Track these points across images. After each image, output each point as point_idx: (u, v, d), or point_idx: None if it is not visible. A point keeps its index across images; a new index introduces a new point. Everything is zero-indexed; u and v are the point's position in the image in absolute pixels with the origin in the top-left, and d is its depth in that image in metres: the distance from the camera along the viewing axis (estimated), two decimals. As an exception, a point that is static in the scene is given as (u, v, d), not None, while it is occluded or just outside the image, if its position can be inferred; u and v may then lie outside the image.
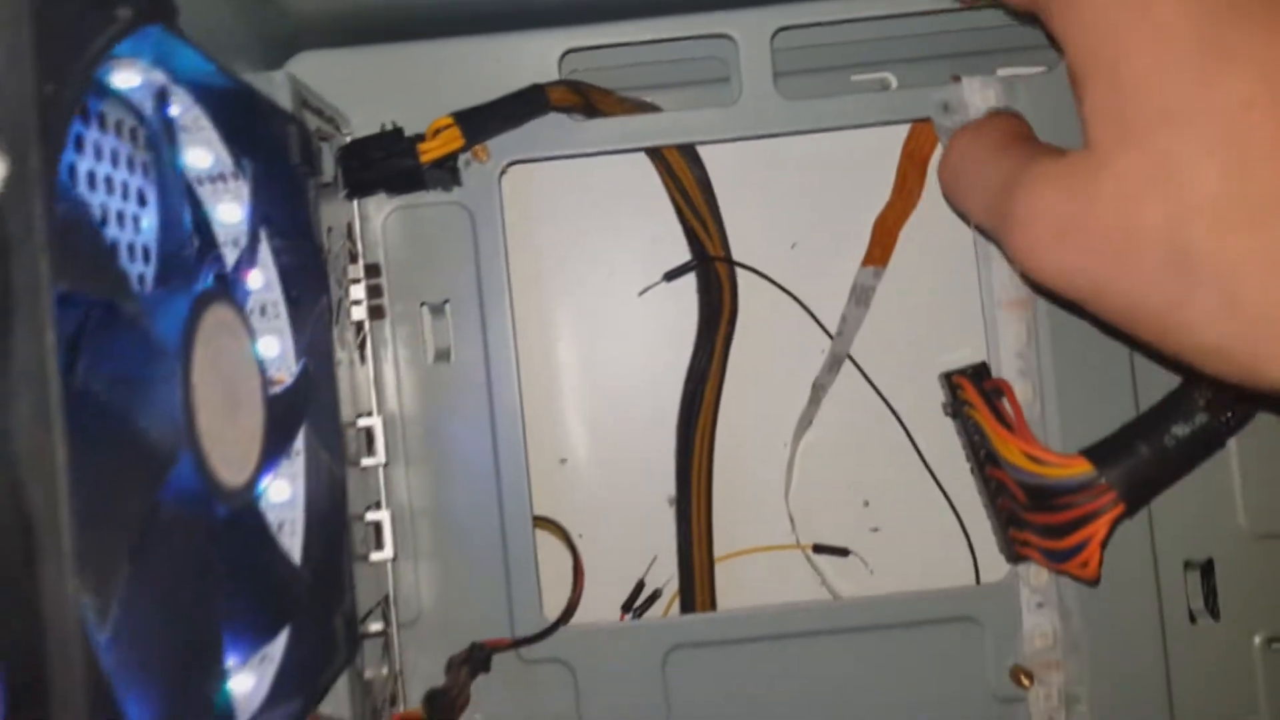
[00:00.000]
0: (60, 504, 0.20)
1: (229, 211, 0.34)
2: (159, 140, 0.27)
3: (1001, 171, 0.33)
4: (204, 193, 0.33)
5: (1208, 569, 0.46)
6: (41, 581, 0.20)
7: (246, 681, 0.31)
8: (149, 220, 0.29)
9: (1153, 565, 0.46)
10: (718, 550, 0.49)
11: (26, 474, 0.20)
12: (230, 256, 0.33)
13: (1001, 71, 0.48)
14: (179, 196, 0.28)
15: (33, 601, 0.20)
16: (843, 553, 0.50)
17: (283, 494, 0.35)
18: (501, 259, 0.46)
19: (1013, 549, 0.43)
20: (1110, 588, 0.45)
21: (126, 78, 0.27)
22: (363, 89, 0.45)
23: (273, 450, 0.32)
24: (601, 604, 0.48)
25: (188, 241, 0.30)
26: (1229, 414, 0.38)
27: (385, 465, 0.44)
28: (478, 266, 0.46)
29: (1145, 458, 0.38)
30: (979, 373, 0.43)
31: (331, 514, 0.37)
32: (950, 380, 0.44)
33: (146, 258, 0.28)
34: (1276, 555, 0.46)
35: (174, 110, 0.29)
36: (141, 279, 0.27)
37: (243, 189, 0.34)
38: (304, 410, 0.35)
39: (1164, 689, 0.46)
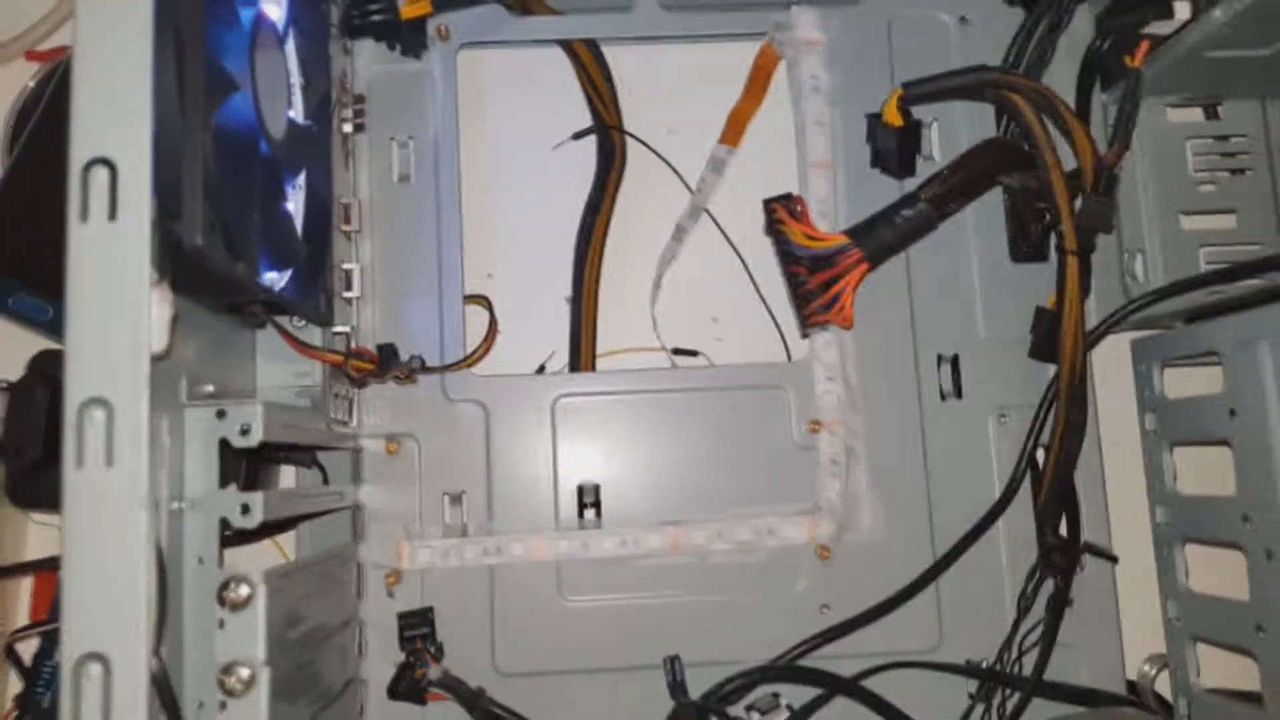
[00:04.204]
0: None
1: (271, 9, 0.51)
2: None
3: None
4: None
5: (955, 362, 0.63)
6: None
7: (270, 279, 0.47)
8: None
9: (913, 357, 0.63)
10: (598, 349, 0.65)
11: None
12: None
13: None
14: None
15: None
16: (694, 353, 0.66)
17: (288, 206, 0.52)
18: (453, 114, 0.64)
19: (805, 324, 0.60)
20: (881, 370, 0.63)
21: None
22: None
23: (296, 152, 0.48)
24: (511, 381, 0.64)
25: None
26: (942, 206, 0.56)
27: (357, 233, 0.60)
28: (436, 117, 0.64)
29: (882, 230, 0.56)
30: (787, 197, 0.61)
31: (319, 229, 0.53)
32: (768, 206, 0.61)
33: None
34: (1003, 354, 0.63)
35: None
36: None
37: (283, -6, 0.51)
38: (310, 147, 0.52)
39: (919, 446, 0.62)
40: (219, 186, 0.38)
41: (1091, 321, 0.61)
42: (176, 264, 0.36)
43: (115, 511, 0.33)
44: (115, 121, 0.34)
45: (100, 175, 0.34)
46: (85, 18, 0.35)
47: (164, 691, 0.36)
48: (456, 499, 0.61)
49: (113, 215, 0.34)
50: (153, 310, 0.34)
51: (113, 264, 0.34)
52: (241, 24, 0.43)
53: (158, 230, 0.35)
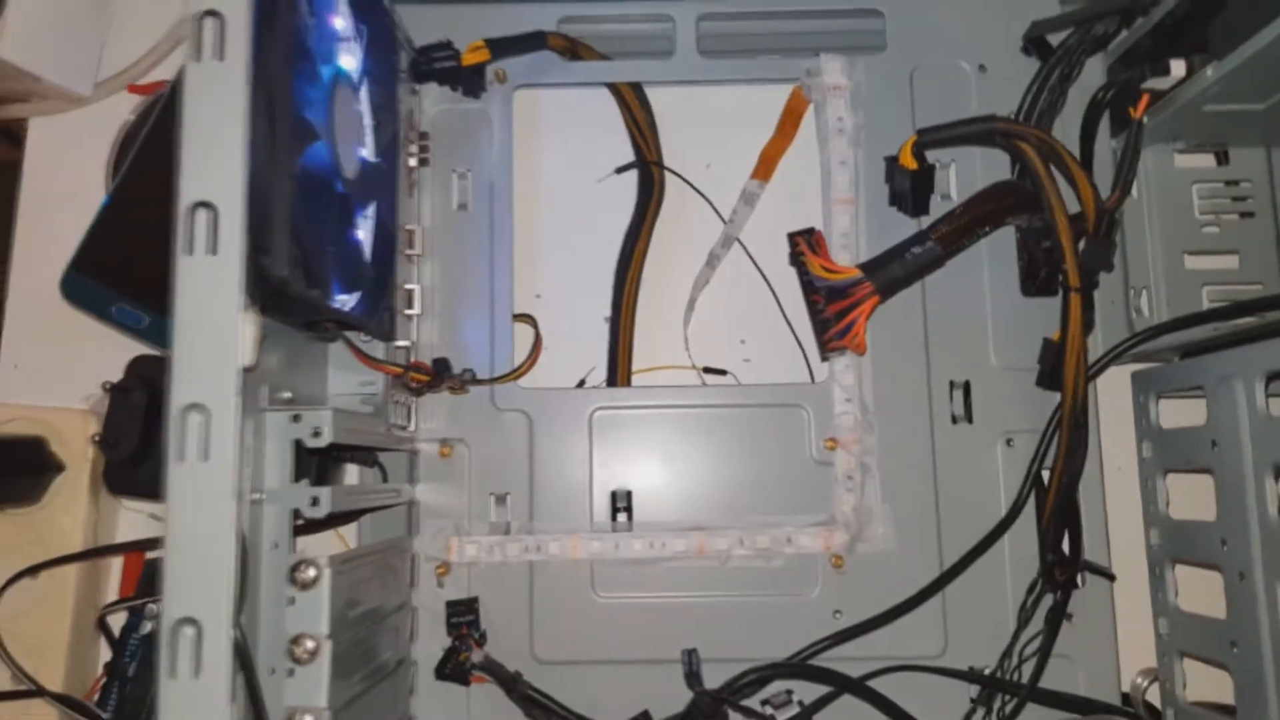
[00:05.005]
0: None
1: (348, 61, 0.58)
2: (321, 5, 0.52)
3: None
4: (338, 47, 0.57)
5: (967, 389, 0.68)
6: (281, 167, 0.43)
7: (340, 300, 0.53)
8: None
9: (927, 383, 0.68)
10: (633, 366, 0.71)
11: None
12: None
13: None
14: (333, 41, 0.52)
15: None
16: (722, 372, 0.71)
17: (359, 235, 0.58)
18: (508, 149, 0.70)
19: (825, 350, 0.65)
20: (896, 393, 0.67)
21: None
22: (429, 33, 0.69)
23: (366, 187, 0.55)
24: (554, 394, 0.70)
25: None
26: (950, 245, 0.61)
27: (419, 256, 0.67)
28: (492, 151, 0.70)
29: (893, 266, 0.60)
30: (809, 231, 0.66)
31: (385, 254, 0.60)
32: (791, 239, 0.66)
33: (310, 55, 0.52)
34: (1012, 382, 0.67)
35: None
36: (310, 59, 0.51)
37: (358, 47, 0.58)
38: (379, 181, 0.58)
39: (930, 465, 0.67)
40: (300, 224, 0.45)
41: (1099, 353, 0.65)
42: (264, 290, 0.43)
43: (209, 499, 0.40)
44: (216, 170, 0.41)
45: (203, 216, 0.41)
46: (192, 83, 0.42)
47: (242, 656, 0.42)
48: (501, 499, 0.67)
49: (212, 250, 0.41)
50: (243, 330, 0.41)
51: (212, 291, 0.41)
52: (322, 79, 0.49)
53: (249, 263, 0.41)
